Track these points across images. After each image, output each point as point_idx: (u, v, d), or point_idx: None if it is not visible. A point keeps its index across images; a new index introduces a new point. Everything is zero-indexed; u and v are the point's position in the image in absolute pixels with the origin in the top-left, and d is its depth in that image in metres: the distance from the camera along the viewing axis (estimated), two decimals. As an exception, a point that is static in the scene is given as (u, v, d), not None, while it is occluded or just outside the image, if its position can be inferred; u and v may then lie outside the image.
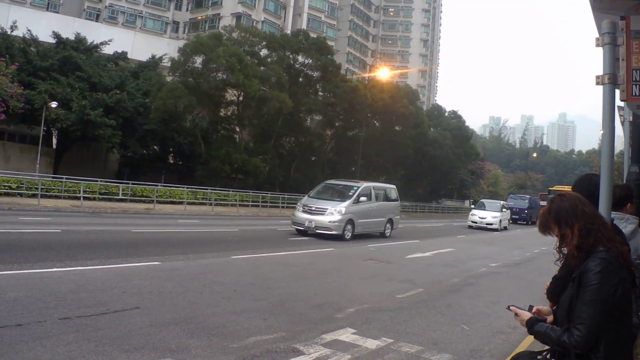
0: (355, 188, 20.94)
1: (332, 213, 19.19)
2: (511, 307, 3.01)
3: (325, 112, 47.91)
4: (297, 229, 19.88)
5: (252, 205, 35.77)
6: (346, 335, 6.66)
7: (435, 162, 59.07)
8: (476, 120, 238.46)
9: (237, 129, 44.85)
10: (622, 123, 9.39)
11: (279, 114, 42.02)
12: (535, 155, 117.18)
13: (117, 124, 36.05)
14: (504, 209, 37.73)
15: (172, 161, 49.42)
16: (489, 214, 35.72)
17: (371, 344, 6.38)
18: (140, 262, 10.72)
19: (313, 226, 19.06)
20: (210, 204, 32.13)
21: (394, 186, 25.05)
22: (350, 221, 19.65)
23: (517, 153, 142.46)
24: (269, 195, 37.31)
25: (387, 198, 23.30)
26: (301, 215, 19.68)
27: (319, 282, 10.60)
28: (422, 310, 8.67)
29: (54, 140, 41.93)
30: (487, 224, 34.78)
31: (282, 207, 37.52)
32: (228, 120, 43.75)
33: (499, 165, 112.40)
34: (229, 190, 35.27)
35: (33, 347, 5.11)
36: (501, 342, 7.15)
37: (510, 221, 41.38)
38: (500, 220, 35.64)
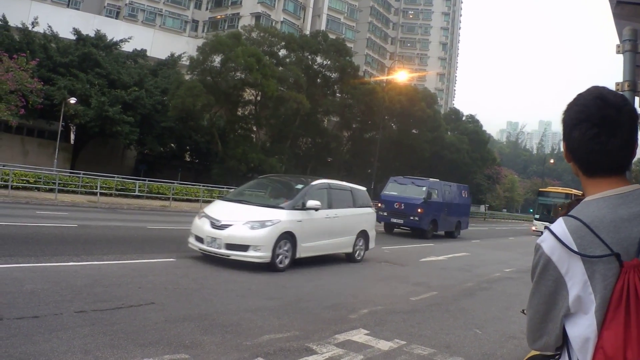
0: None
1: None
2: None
3: (343, 114, 47.88)
4: None
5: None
6: (359, 335, 6.66)
7: (451, 166, 58.71)
8: (493, 125, 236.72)
9: (254, 129, 45.02)
10: (642, 131, 9.31)
11: (296, 115, 42.15)
12: (552, 161, 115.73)
13: (135, 121, 36.35)
14: (313, 203, 11.69)
15: (188, 159, 49.71)
16: (242, 216, 10.78)
17: (384, 345, 6.38)
18: (155, 259, 10.79)
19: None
20: (226, 203, 32.18)
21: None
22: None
23: (534, 159, 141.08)
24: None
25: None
26: None
27: (333, 282, 10.61)
28: (435, 313, 8.65)
29: (72, 136, 42.37)
30: (228, 245, 10.40)
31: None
32: (245, 120, 43.95)
33: (515, 170, 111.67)
34: (244, 190, 35.28)
35: (49, 339, 5.18)
36: (513, 347, 7.11)
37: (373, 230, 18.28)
38: (280, 236, 10.78)
